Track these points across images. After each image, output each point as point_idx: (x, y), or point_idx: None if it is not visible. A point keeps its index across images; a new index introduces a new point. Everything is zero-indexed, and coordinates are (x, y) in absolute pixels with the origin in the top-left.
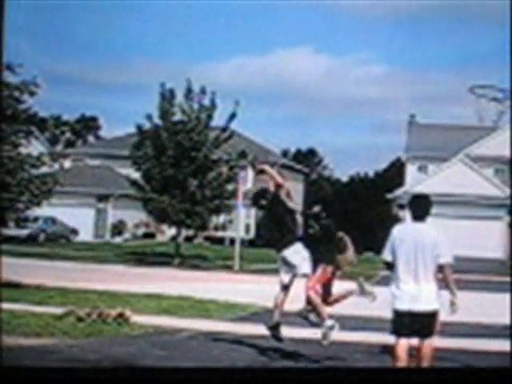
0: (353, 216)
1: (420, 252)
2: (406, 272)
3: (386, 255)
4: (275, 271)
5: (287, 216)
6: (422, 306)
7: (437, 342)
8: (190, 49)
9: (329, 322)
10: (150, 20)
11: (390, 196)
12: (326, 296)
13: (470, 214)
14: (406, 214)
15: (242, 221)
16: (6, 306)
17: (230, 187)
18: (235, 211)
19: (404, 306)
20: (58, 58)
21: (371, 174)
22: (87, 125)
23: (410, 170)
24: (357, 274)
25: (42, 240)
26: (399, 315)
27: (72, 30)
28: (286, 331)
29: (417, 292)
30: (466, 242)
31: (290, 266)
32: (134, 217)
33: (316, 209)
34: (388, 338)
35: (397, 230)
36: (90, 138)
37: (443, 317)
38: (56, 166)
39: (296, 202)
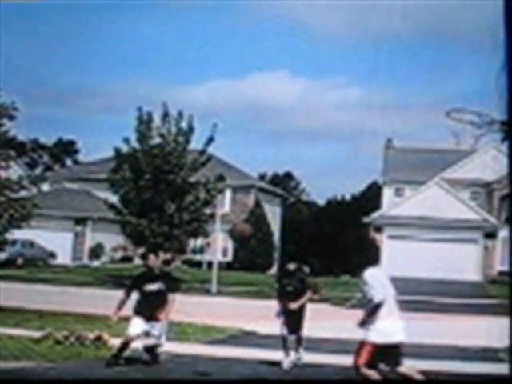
0: (330, 239)
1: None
2: (388, 310)
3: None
4: (253, 294)
5: None
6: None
7: (414, 364)
8: (168, 72)
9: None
10: (127, 43)
11: (366, 219)
12: None
13: (447, 237)
14: (383, 238)
15: (220, 244)
16: None
17: (207, 211)
18: (213, 235)
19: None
20: (34, 82)
21: (348, 197)
22: (65, 148)
23: (387, 194)
24: (333, 297)
25: (20, 263)
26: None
27: (49, 54)
28: (265, 354)
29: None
30: (442, 264)
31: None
32: (112, 240)
33: (291, 266)
34: None
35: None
36: (68, 162)
37: (419, 340)
38: (35, 189)
39: (273, 225)
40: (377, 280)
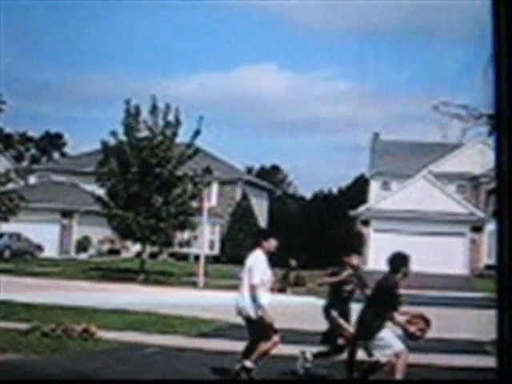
0: (317, 233)
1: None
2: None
3: None
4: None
5: None
6: None
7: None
8: (155, 64)
9: None
10: (115, 36)
11: (353, 213)
12: None
13: (433, 231)
14: (370, 231)
15: (207, 237)
16: None
17: (194, 204)
18: (200, 228)
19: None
20: (22, 74)
21: (335, 190)
22: (52, 141)
23: (374, 187)
24: (320, 290)
25: (7, 256)
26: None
27: (36, 46)
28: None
29: None
30: (429, 258)
31: None
32: (99, 233)
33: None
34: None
35: None
36: (55, 155)
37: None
38: (21, 182)
39: (260, 219)
40: None
